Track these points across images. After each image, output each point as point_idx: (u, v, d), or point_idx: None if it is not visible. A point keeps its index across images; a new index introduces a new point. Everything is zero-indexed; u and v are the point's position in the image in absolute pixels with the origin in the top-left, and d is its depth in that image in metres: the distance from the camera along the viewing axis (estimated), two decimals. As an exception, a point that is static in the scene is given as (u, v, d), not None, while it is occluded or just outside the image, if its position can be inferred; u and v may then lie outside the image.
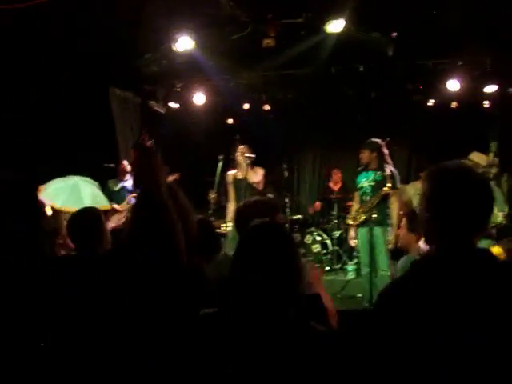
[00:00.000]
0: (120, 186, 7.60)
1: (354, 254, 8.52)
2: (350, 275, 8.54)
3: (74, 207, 5.55)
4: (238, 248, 1.97)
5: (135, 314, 2.09)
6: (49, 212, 4.41)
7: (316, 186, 11.90)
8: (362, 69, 8.38)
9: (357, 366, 1.77)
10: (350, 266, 8.67)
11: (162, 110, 9.67)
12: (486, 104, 9.30)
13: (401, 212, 6.51)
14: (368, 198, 6.56)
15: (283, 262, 1.87)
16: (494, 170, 6.47)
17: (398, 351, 1.67)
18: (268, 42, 6.83)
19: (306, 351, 1.80)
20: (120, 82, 8.53)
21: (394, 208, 6.44)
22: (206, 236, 3.62)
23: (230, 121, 10.75)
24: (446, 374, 1.58)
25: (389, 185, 6.32)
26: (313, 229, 9.55)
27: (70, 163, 6.67)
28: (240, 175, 7.05)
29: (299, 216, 9.98)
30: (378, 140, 6.71)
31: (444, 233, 1.76)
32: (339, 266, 9.28)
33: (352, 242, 7.22)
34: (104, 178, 7.61)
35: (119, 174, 7.71)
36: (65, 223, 3.69)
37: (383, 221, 6.41)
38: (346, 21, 6.41)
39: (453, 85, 8.46)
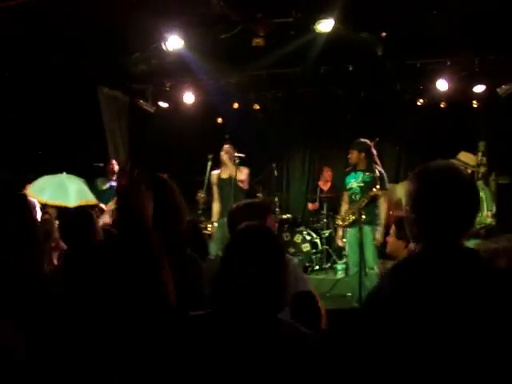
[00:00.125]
0: (108, 185, 7.58)
1: (344, 253, 8.52)
2: (340, 274, 8.54)
3: (59, 202, 5.56)
4: (225, 251, 1.97)
5: (134, 313, 2.09)
6: (39, 213, 4.40)
7: (305, 186, 11.88)
8: (351, 68, 8.40)
9: (345, 367, 1.78)
10: (340, 265, 8.67)
11: (151, 109, 9.64)
12: (475, 104, 9.34)
13: (390, 212, 6.53)
14: (357, 198, 6.57)
15: (269, 265, 1.87)
16: (482, 170, 6.50)
17: (385, 351, 1.67)
18: (258, 41, 6.83)
19: (291, 353, 1.80)
20: (109, 80, 8.49)
21: (383, 209, 6.47)
22: (194, 238, 3.62)
23: (220, 120, 10.73)
24: (434, 372, 1.58)
25: (377, 186, 6.33)
26: (302, 228, 9.55)
27: (59, 162, 6.65)
28: (224, 175, 7.03)
29: (289, 215, 9.98)
30: (367, 140, 6.73)
31: (430, 233, 1.77)
32: (329, 265, 9.29)
33: (340, 242, 7.24)
34: (93, 177, 7.60)
35: (107, 174, 7.69)
36: (56, 224, 3.68)
37: (372, 221, 6.42)
38: (335, 20, 6.42)
39: (441, 85, 8.50)
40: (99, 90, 8.50)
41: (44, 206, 5.23)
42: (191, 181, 8.06)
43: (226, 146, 7.11)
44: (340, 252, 8.98)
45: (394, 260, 4.05)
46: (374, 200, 6.48)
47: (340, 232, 7.06)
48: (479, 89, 8.73)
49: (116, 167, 7.75)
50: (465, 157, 6.29)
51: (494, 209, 6.16)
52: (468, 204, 1.76)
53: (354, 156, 6.68)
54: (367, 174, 6.55)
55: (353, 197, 6.66)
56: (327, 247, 9.33)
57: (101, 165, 7.76)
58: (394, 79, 8.84)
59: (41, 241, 2.34)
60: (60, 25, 5.91)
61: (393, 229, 4.04)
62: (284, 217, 9.66)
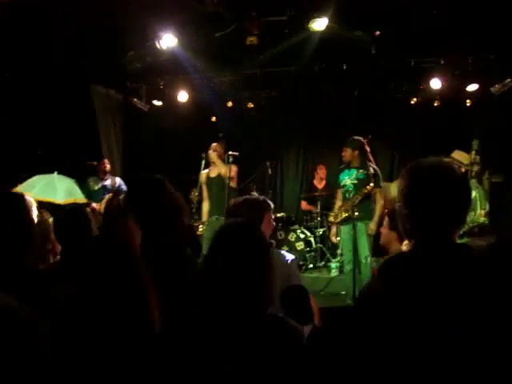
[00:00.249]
0: (100, 185, 7.57)
1: (338, 251, 8.54)
2: (334, 272, 8.55)
3: (47, 198, 5.57)
4: (209, 250, 1.98)
5: (133, 312, 2.09)
6: (35, 212, 4.38)
7: (299, 184, 11.89)
8: (345, 67, 8.41)
9: (337, 363, 1.78)
10: (334, 264, 8.68)
11: (144, 108, 9.63)
12: (468, 102, 9.37)
13: (386, 210, 6.55)
14: (351, 195, 6.59)
15: (252, 262, 1.88)
16: (475, 168, 6.51)
17: (378, 348, 1.67)
18: (251, 39, 6.83)
19: (280, 348, 1.81)
20: (102, 79, 8.48)
21: (379, 207, 6.48)
22: (189, 239, 3.62)
23: (214, 119, 10.72)
24: (426, 369, 1.59)
25: (371, 184, 6.35)
26: (296, 226, 9.56)
27: (52, 161, 6.64)
28: (213, 173, 6.99)
29: (283, 214, 9.98)
30: (360, 138, 6.74)
31: (422, 229, 1.77)
32: (323, 263, 9.30)
33: (334, 239, 7.25)
34: (85, 175, 7.59)
35: (99, 173, 7.66)
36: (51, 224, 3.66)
37: (365, 217, 6.43)
38: (329, 19, 6.42)
39: (435, 83, 8.52)
40: (93, 89, 8.48)
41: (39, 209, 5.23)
42: (185, 180, 8.05)
43: (214, 144, 7.06)
44: (334, 250, 9.00)
45: (387, 252, 4.11)
46: (367, 197, 6.49)
47: (334, 229, 7.07)
48: (473, 87, 8.76)
49: (108, 166, 7.73)
50: (458, 155, 6.30)
51: (488, 207, 6.18)
52: (459, 200, 1.76)
53: (347, 154, 6.70)
54: (361, 171, 6.57)
55: (346, 194, 6.68)
56: (321, 245, 9.34)
57: (94, 163, 7.73)
58: (387, 78, 8.85)
59: (38, 240, 2.34)
60: (54, 24, 5.89)
61: (386, 220, 4.09)
62: (278, 215, 9.65)
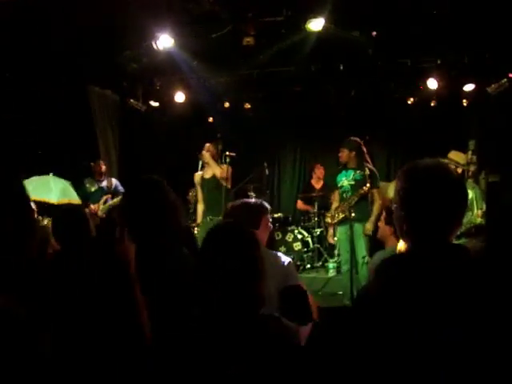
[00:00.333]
0: (97, 186, 7.57)
1: (335, 251, 8.55)
2: (331, 273, 8.56)
3: (41, 197, 5.57)
4: (205, 247, 1.99)
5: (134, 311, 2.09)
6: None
7: (297, 184, 11.91)
8: (342, 67, 8.41)
9: (334, 365, 1.78)
10: (331, 264, 8.69)
11: (141, 108, 9.62)
12: (465, 102, 9.38)
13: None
14: (348, 196, 6.60)
15: (250, 258, 1.90)
16: (472, 168, 6.52)
17: (374, 349, 1.67)
18: (248, 40, 6.83)
19: (278, 348, 1.81)
20: (99, 79, 8.47)
21: (377, 207, 6.48)
22: (186, 240, 3.62)
23: (211, 119, 10.72)
24: (426, 369, 1.59)
25: (368, 185, 6.36)
26: (293, 227, 9.56)
27: (52, 161, 6.65)
28: (207, 174, 6.96)
29: (280, 214, 9.99)
30: (357, 138, 6.75)
31: (419, 230, 1.77)
32: (320, 263, 9.30)
33: (331, 240, 7.26)
34: (83, 176, 7.59)
35: (95, 174, 7.66)
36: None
37: (362, 218, 6.44)
38: (326, 19, 6.42)
39: (432, 83, 8.53)
40: (90, 90, 8.47)
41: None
42: (182, 180, 8.05)
43: (207, 144, 7.00)
44: (331, 250, 9.02)
45: (384, 246, 4.18)
46: (364, 197, 6.50)
47: (331, 230, 7.08)
48: (469, 88, 8.77)
49: (104, 167, 7.73)
50: (455, 155, 6.31)
51: (484, 207, 6.18)
52: (456, 202, 1.76)
53: (344, 154, 6.70)
54: (358, 172, 6.58)
55: (344, 195, 6.68)
56: (318, 246, 9.35)
57: (92, 164, 7.73)
58: (384, 78, 8.86)
59: (38, 240, 2.33)
60: (52, 24, 5.88)
61: (383, 215, 4.16)
62: (275, 216, 9.66)
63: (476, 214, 5.68)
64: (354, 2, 6.17)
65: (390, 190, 7.65)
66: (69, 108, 7.66)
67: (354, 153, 6.64)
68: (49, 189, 5.70)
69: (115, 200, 6.81)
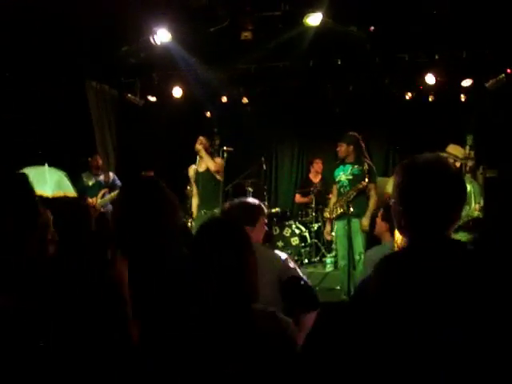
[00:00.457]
0: (94, 180, 7.60)
1: (333, 246, 8.56)
2: (329, 267, 8.58)
3: (36, 190, 5.55)
4: (199, 240, 2.00)
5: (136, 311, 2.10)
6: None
7: (294, 179, 11.92)
8: (340, 62, 8.40)
9: (330, 362, 1.78)
10: (329, 259, 8.71)
11: (139, 103, 9.61)
12: (463, 98, 9.39)
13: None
14: (345, 191, 6.60)
15: (233, 254, 1.90)
16: (469, 163, 6.52)
17: (372, 346, 1.67)
18: (246, 34, 6.81)
19: (275, 343, 1.82)
20: (97, 74, 8.45)
21: (373, 202, 6.49)
22: (184, 238, 3.61)
23: (208, 114, 10.71)
24: (426, 369, 1.58)
25: (366, 180, 6.36)
26: (291, 222, 9.57)
27: (51, 160, 6.64)
28: (201, 168, 6.93)
29: (277, 209, 9.99)
30: (355, 133, 6.75)
31: (417, 225, 1.77)
32: (318, 258, 9.32)
33: (328, 236, 7.26)
34: (80, 171, 7.60)
35: (92, 168, 7.69)
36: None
37: (360, 213, 6.44)
38: (324, 14, 6.41)
39: (430, 79, 8.53)
40: (87, 84, 8.46)
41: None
42: (180, 175, 8.04)
43: (201, 137, 6.94)
44: (329, 245, 9.03)
45: (380, 242, 4.20)
46: (363, 192, 6.51)
47: (328, 227, 7.08)
48: (467, 83, 8.77)
49: (100, 162, 7.77)
50: (453, 149, 6.31)
51: (482, 202, 6.19)
52: (455, 197, 1.76)
53: (343, 149, 6.69)
54: (356, 166, 6.57)
55: (341, 190, 6.68)
56: (316, 241, 9.36)
57: (89, 159, 7.75)
58: (382, 73, 8.85)
59: (38, 240, 2.33)
60: (50, 21, 5.87)
61: (381, 211, 4.17)
62: (273, 211, 9.67)
63: (473, 207, 5.69)
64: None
65: (389, 185, 7.66)
66: (67, 104, 7.65)
67: (352, 147, 6.63)
68: (44, 181, 5.67)
69: (112, 194, 6.80)
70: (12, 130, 6.67)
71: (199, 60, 8.01)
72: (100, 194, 6.92)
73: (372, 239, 5.54)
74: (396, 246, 3.31)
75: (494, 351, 1.57)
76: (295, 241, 9.14)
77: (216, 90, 9.65)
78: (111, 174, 7.78)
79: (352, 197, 6.45)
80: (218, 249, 1.89)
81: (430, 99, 9.56)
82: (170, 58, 7.56)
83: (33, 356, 1.90)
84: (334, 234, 7.05)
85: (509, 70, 7.93)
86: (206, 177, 6.85)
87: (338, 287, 7.00)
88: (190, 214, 7.08)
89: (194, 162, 7.07)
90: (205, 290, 1.87)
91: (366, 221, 6.40)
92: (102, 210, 6.73)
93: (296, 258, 8.86)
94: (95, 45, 6.78)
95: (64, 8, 5.66)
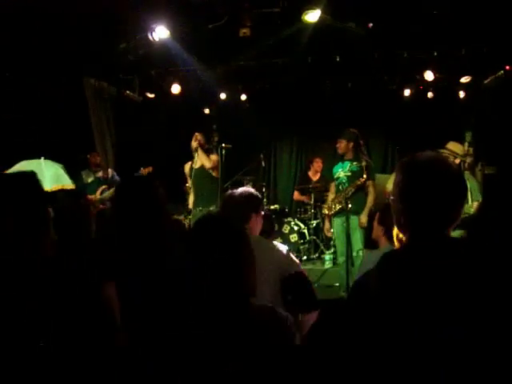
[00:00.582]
0: (93, 177, 7.61)
1: (331, 243, 8.57)
2: (328, 264, 8.59)
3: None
4: (188, 242, 2.00)
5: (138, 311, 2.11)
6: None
7: (293, 176, 11.92)
8: (338, 59, 8.39)
9: (330, 360, 1.78)
10: (328, 256, 8.72)
11: (138, 100, 9.60)
12: (462, 94, 9.39)
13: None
14: (344, 188, 6.60)
15: (229, 254, 1.89)
16: (468, 160, 6.53)
17: (372, 345, 1.66)
18: (244, 31, 6.80)
19: (275, 340, 1.82)
20: (95, 71, 8.44)
21: (371, 199, 6.49)
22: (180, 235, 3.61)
23: (207, 111, 10.71)
24: (426, 368, 1.58)
25: (364, 176, 6.36)
26: (290, 218, 9.57)
27: (46, 154, 6.63)
28: (196, 164, 6.91)
29: (276, 206, 9.99)
30: (355, 130, 6.74)
31: (417, 223, 1.76)
32: (316, 255, 9.33)
33: (328, 233, 7.27)
34: (80, 169, 7.60)
35: (90, 165, 7.71)
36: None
37: (359, 210, 6.44)
38: (322, 11, 6.40)
39: (428, 75, 8.52)
40: (86, 81, 8.44)
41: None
42: (179, 171, 8.04)
43: (196, 134, 6.93)
44: (328, 242, 9.03)
45: (378, 246, 4.17)
46: (361, 189, 6.51)
47: (327, 224, 7.08)
48: (466, 79, 8.78)
49: (99, 159, 7.79)
50: (453, 146, 6.31)
51: (481, 199, 6.19)
52: (455, 195, 1.75)
53: (342, 145, 6.68)
54: (354, 163, 6.57)
55: (340, 186, 6.68)
56: (315, 237, 9.36)
57: (88, 156, 7.75)
58: (381, 70, 8.85)
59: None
60: (49, 18, 5.86)
61: (377, 214, 4.13)
62: (271, 207, 9.67)
63: (470, 204, 5.69)
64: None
65: (390, 182, 7.66)
66: (66, 101, 7.65)
67: (352, 143, 6.62)
68: (41, 175, 5.64)
69: (111, 190, 6.80)
70: (12, 129, 6.67)
71: (198, 57, 8.00)
72: (99, 191, 6.93)
73: (370, 236, 5.54)
74: None
75: (495, 349, 1.56)
76: (294, 238, 9.14)
77: (215, 86, 9.64)
78: (110, 171, 7.79)
79: (350, 193, 6.45)
80: (213, 245, 1.89)
81: (429, 96, 9.56)
82: (169, 54, 7.55)
83: (33, 356, 1.90)
84: (332, 231, 7.06)
85: (507, 67, 7.93)
86: (201, 174, 6.84)
87: (337, 284, 7.01)
88: (189, 212, 7.07)
89: (192, 158, 7.07)
90: (203, 288, 1.87)
91: (364, 217, 6.41)
92: (100, 206, 6.74)
93: (295, 254, 8.84)
94: (94, 42, 6.77)
95: (62, 6, 5.64)
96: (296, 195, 10.14)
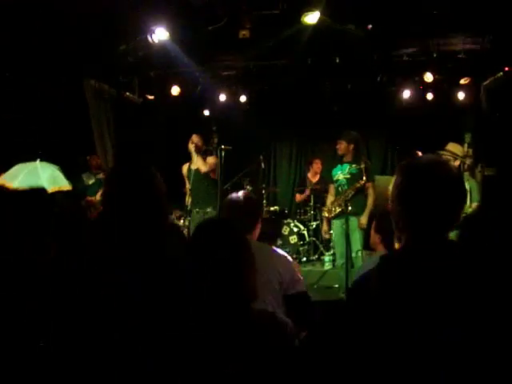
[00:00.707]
0: (94, 179, 7.62)
1: (331, 244, 8.57)
2: (327, 266, 8.59)
3: (30, 187, 5.50)
4: (190, 243, 2.00)
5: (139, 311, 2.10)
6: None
7: (293, 177, 11.92)
8: (338, 61, 8.39)
9: (329, 362, 1.78)
10: (327, 257, 8.72)
11: (137, 102, 9.59)
12: (461, 96, 9.39)
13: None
14: (344, 190, 6.60)
15: (240, 249, 1.91)
16: (468, 161, 6.53)
17: (372, 347, 1.66)
18: (244, 33, 6.81)
19: (275, 344, 1.82)
20: (95, 73, 8.44)
21: (371, 201, 6.49)
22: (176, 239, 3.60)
23: (206, 112, 10.70)
24: (422, 369, 1.58)
25: (364, 178, 6.36)
26: (290, 220, 9.58)
27: (46, 156, 6.63)
28: (194, 166, 6.91)
29: (276, 207, 9.99)
30: (356, 132, 6.75)
31: (416, 226, 1.76)
32: (316, 256, 9.34)
33: (326, 235, 7.27)
34: (79, 170, 7.61)
35: (91, 167, 7.72)
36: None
37: (358, 212, 6.44)
38: (321, 12, 6.40)
39: (428, 77, 8.52)
40: (86, 83, 8.44)
41: None
42: (178, 173, 8.04)
43: (193, 136, 6.94)
44: (327, 244, 9.03)
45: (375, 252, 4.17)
46: (361, 191, 6.51)
47: (325, 226, 7.09)
48: (465, 81, 8.78)
49: (99, 160, 7.81)
50: (453, 147, 6.30)
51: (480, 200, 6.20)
52: (454, 198, 1.75)
53: (342, 146, 6.69)
54: (354, 165, 6.57)
55: (339, 189, 6.68)
56: (314, 239, 9.37)
57: (88, 158, 7.76)
58: (380, 71, 8.85)
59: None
60: (46, 19, 5.86)
61: (374, 223, 4.13)
62: (271, 209, 9.67)
63: (468, 205, 5.69)
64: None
65: (387, 183, 7.66)
66: (66, 103, 7.65)
67: (352, 145, 6.63)
68: (38, 177, 5.62)
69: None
70: (11, 129, 6.67)
71: (197, 58, 8.01)
72: (99, 193, 6.93)
73: (370, 237, 5.54)
74: None
75: (494, 351, 1.56)
76: (293, 239, 9.15)
77: (214, 88, 9.64)
78: (111, 172, 7.80)
79: (350, 195, 6.45)
80: (213, 247, 1.89)
81: (429, 97, 9.55)
82: (168, 56, 7.56)
83: (33, 356, 1.90)
84: (332, 232, 7.06)
85: (507, 68, 7.93)
86: (197, 175, 6.84)
87: (337, 285, 7.01)
88: (188, 213, 7.08)
89: (190, 160, 7.08)
90: (203, 289, 1.87)
91: (364, 219, 6.41)
92: (101, 208, 6.74)
93: (294, 256, 8.86)
94: (94, 43, 6.77)
95: (62, 7, 5.65)
96: (297, 197, 10.14)
